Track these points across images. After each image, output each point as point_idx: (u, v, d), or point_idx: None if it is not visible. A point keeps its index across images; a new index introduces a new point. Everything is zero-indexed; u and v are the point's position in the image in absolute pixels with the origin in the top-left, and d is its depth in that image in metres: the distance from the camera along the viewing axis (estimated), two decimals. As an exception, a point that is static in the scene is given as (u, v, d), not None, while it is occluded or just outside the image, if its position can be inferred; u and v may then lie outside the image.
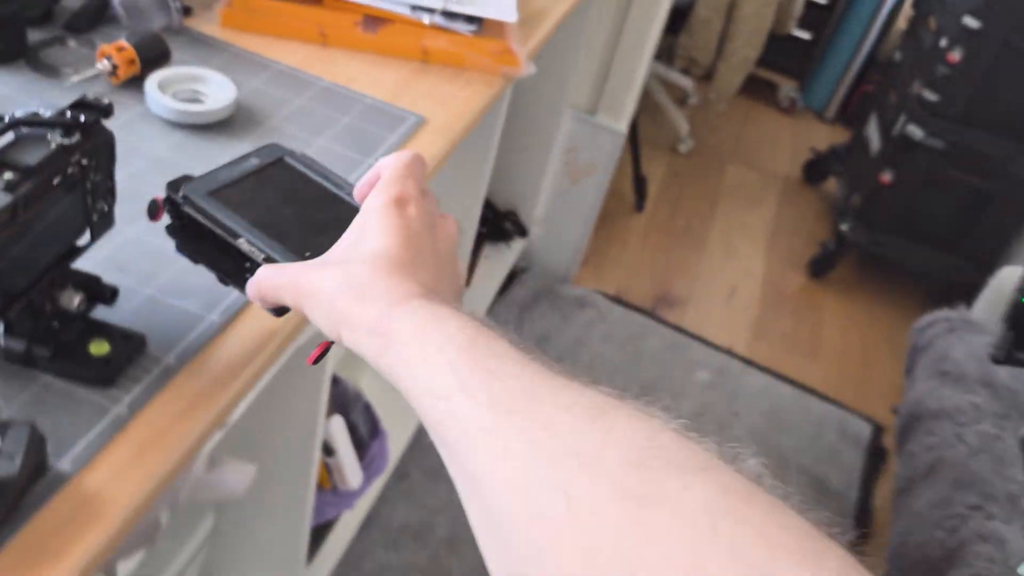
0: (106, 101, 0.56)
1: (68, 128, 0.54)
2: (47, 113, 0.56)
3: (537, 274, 2.38)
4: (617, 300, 2.41)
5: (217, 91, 0.85)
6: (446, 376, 0.40)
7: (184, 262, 0.66)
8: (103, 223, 0.60)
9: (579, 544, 0.31)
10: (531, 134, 2.07)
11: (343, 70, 0.98)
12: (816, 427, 2.19)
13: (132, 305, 0.63)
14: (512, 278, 2.33)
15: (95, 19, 0.93)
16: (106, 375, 0.57)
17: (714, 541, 0.29)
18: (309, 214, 0.60)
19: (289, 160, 0.65)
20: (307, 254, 0.56)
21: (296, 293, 0.50)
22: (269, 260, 0.55)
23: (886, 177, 2.46)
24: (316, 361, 0.57)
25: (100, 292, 0.59)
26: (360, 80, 0.96)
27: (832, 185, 3.04)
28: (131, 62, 0.84)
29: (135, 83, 0.85)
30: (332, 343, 0.51)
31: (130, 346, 0.59)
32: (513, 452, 0.35)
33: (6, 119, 0.52)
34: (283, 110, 0.88)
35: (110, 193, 0.59)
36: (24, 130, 0.53)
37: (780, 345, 2.43)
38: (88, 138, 0.55)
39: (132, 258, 0.67)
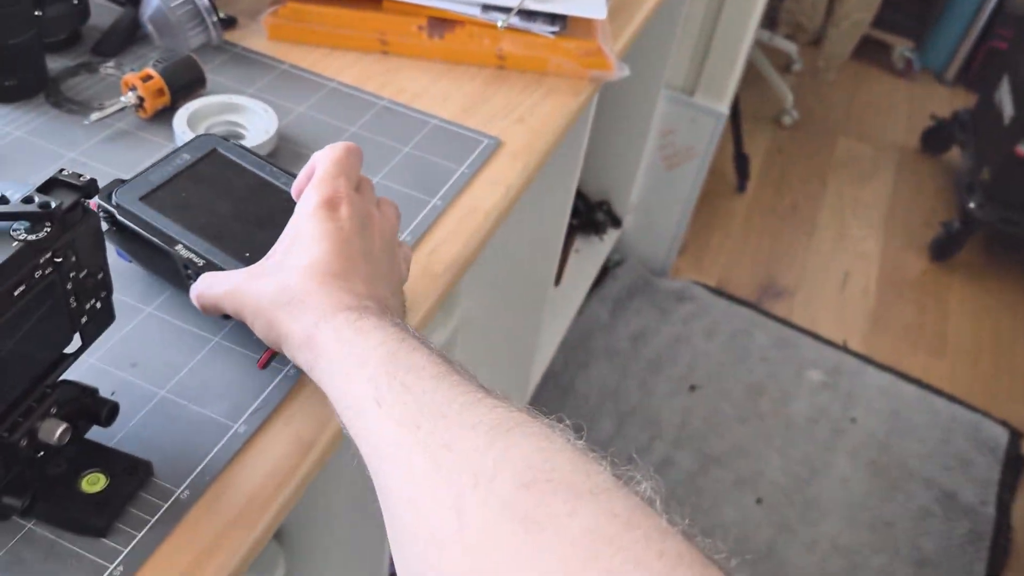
0: (87, 177, 0.45)
1: (35, 219, 0.42)
2: (16, 195, 0.45)
3: (632, 266, 2.22)
4: (719, 292, 2.24)
5: (257, 122, 0.73)
6: (365, 390, 0.40)
7: (211, 349, 0.56)
8: (97, 323, 0.48)
9: (466, 563, 0.31)
10: (624, 118, 1.90)
11: (406, 84, 0.84)
12: (945, 433, 1.98)
13: (141, 414, 0.52)
14: (605, 272, 2.18)
15: (126, 39, 0.82)
16: (100, 522, 0.45)
17: (590, 567, 0.29)
18: (246, 208, 0.58)
19: (222, 151, 0.62)
20: (247, 254, 0.54)
21: (234, 304, 0.50)
22: (209, 266, 0.53)
23: (1022, 148, 2.20)
24: (265, 366, 0.55)
25: (95, 410, 0.48)
26: (425, 96, 0.83)
27: (956, 156, 2.77)
28: (159, 92, 0.73)
29: (166, 114, 0.74)
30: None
31: (133, 479, 0.47)
32: (415, 469, 0.35)
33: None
34: (334, 140, 0.76)
35: (102, 286, 0.48)
36: (-19, 225, 0.42)
37: (901, 339, 2.21)
38: (63, 229, 0.43)
39: (147, 347, 0.56)
